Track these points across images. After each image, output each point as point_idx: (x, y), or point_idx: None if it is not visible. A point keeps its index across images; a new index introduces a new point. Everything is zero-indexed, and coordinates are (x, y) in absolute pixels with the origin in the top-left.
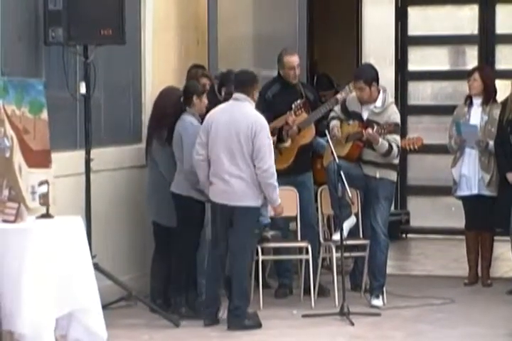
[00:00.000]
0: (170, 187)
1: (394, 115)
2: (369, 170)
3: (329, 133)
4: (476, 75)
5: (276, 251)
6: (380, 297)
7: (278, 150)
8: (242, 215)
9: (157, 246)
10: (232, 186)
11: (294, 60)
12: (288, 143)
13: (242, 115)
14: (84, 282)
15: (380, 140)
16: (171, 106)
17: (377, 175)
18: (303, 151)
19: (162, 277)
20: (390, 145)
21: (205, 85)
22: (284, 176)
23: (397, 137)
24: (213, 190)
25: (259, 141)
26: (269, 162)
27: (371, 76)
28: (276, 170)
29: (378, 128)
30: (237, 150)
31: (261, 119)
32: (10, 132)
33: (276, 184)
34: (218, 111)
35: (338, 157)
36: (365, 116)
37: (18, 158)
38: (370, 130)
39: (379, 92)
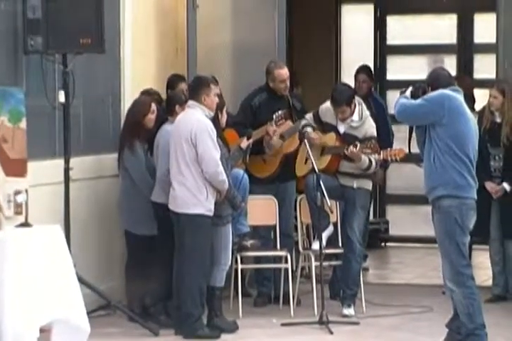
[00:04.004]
0: (142, 195)
1: (371, 129)
2: (346, 181)
3: (307, 142)
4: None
5: (257, 259)
6: (352, 306)
7: (262, 159)
8: (185, 222)
9: (130, 254)
10: (177, 193)
11: (284, 72)
12: (271, 152)
13: (186, 122)
14: (66, 290)
15: (363, 157)
16: (142, 116)
17: (355, 185)
18: (287, 160)
19: (139, 285)
20: (370, 161)
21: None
22: (266, 184)
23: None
24: (170, 196)
25: (201, 145)
26: (213, 164)
27: (350, 96)
28: (259, 178)
29: (362, 147)
30: (181, 156)
31: (201, 123)
32: None
33: (224, 178)
34: (176, 120)
35: (314, 169)
36: (341, 129)
37: None
38: (353, 149)
39: (355, 106)
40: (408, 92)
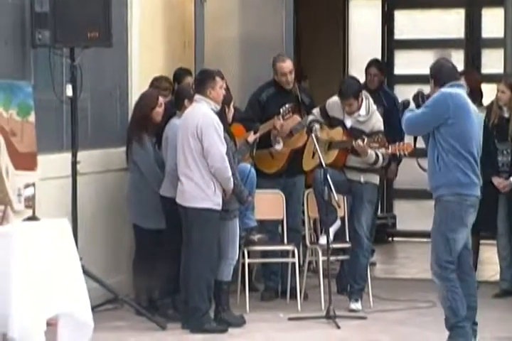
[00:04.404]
0: (151, 189)
1: (378, 123)
2: (353, 175)
3: (314, 137)
4: (462, 80)
5: (264, 254)
6: (359, 300)
7: (270, 153)
8: (193, 216)
9: (138, 248)
10: (185, 187)
11: (285, 66)
12: (280, 147)
13: (192, 116)
14: (72, 284)
15: (369, 151)
16: (150, 109)
17: (362, 180)
18: (295, 155)
19: (146, 279)
20: (377, 155)
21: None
22: (274, 178)
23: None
24: (177, 190)
25: (207, 139)
26: (219, 159)
27: (358, 89)
28: (267, 173)
29: (369, 142)
30: (188, 151)
31: (207, 118)
32: None
33: (230, 175)
34: (183, 115)
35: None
36: (348, 123)
37: (5, 161)
38: (360, 142)
39: (362, 100)
40: (413, 105)
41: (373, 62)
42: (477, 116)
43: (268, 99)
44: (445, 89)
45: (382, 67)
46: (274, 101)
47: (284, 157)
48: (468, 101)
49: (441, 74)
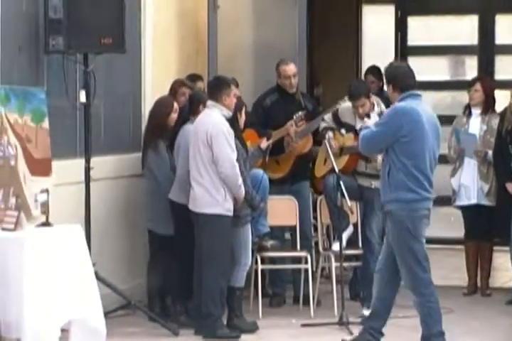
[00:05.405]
0: (166, 195)
1: None
2: (364, 181)
3: (327, 143)
4: (478, 86)
5: (273, 260)
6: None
7: (274, 159)
8: (203, 222)
9: (153, 254)
10: (196, 193)
11: (288, 69)
12: (285, 152)
13: (203, 123)
14: (85, 291)
15: (379, 157)
16: (166, 116)
17: (373, 186)
18: (300, 160)
19: (159, 285)
20: None
21: (185, 94)
22: (279, 184)
23: None
24: (189, 196)
25: (216, 146)
26: (228, 165)
27: (367, 90)
28: (272, 179)
29: None
30: (199, 157)
31: (218, 125)
32: (14, 140)
33: (241, 182)
34: (195, 121)
35: (334, 170)
36: None
37: (22, 167)
38: None
39: (373, 105)
40: (370, 121)
41: (369, 70)
42: (434, 125)
43: (272, 104)
44: (400, 104)
45: (380, 74)
46: (277, 106)
47: (289, 163)
48: (423, 113)
49: (396, 79)
